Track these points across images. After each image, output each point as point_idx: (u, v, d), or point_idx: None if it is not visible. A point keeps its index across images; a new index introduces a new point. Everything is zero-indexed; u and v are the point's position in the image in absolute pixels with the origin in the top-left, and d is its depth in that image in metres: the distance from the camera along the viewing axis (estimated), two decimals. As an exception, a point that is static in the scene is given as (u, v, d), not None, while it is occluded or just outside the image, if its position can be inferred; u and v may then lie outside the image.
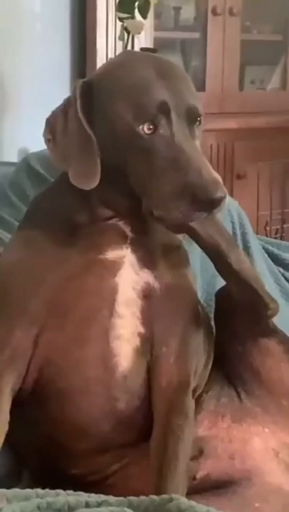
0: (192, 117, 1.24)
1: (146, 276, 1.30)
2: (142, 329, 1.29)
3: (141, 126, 1.20)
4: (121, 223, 1.30)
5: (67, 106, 1.27)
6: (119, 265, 1.28)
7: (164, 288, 1.30)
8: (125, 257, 1.29)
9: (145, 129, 1.21)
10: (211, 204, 1.17)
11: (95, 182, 1.23)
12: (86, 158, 1.24)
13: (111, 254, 1.28)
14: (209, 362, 1.39)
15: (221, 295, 1.43)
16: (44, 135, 1.30)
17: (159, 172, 1.20)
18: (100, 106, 1.24)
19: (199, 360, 1.35)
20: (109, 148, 1.23)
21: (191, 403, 1.30)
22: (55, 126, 1.28)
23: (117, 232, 1.30)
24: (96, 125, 1.24)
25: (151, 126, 1.21)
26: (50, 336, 1.26)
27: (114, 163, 1.23)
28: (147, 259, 1.31)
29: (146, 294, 1.29)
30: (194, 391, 1.33)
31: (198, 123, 1.25)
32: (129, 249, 1.30)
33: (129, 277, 1.29)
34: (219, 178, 1.19)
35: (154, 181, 1.21)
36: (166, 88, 1.22)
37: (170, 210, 1.19)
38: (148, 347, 1.30)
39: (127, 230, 1.30)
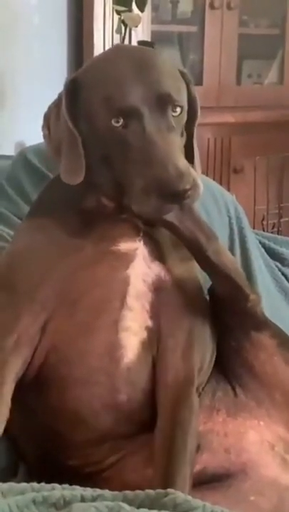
0: (165, 105, 1.23)
1: (158, 269, 1.31)
2: (149, 323, 1.30)
3: (113, 120, 1.22)
4: (133, 217, 1.30)
5: (59, 101, 1.29)
6: (132, 257, 1.29)
7: (175, 281, 1.31)
8: (138, 249, 1.30)
9: (116, 124, 1.22)
10: (176, 196, 1.18)
11: (79, 178, 1.26)
12: (72, 154, 1.26)
13: (124, 246, 1.29)
14: (213, 357, 1.39)
15: (212, 290, 1.43)
16: (42, 129, 1.32)
17: (131, 166, 1.21)
18: (82, 102, 1.26)
19: (205, 354, 1.36)
20: (93, 142, 1.25)
21: (196, 397, 1.31)
22: (50, 121, 1.31)
23: (129, 225, 1.30)
24: (81, 121, 1.26)
25: (122, 121, 1.22)
26: (58, 323, 1.26)
27: (102, 156, 1.25)
28: (159, 252, 1.32)
29: (157, 287, 1.30)
30: (198, 386, 1.33)
31: (175, 112, 1.25)
32: (141, 242, 1.31)
33: (141, 270, 1.30)
34: (186, 169, 1.19)
35: (128, 176, 1.22)
36: (139, 82, 1.22)
37: (142, 204, 1.21)
38: (155, 341, 1.30)
39: (140, 222, 1.31)
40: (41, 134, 1.33)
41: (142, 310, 1.29)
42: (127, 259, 1.29)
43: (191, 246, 1.31)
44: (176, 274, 1.31)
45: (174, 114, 1.25)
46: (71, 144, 1.26)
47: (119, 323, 1.28)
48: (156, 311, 1.30)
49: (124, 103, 1.21)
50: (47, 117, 1.32)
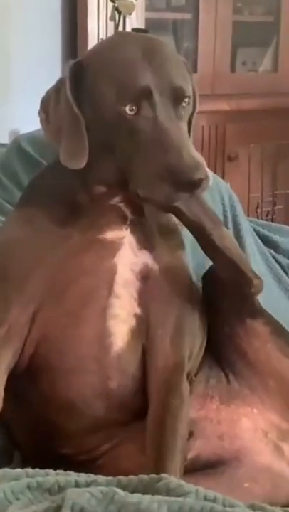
0: (177, 98, 1.24)
1: (145, 258, 1.31)
2: (138, 310, 1.30)
3: (123, 108, 1.21)
4: (121, 205, 1.31)
5: (59, 86, 1.28)
6: (119, 246, 1.30)
7: (162, 269, 1.32)
8: (124, 237, 1.30)
9: (128, 110, 1.21)
10: (191, 185, 1.19)
11: (82, 162, 1.25)
12: (75, 138, 1.25)
13: (110, 235, 1.29)
14: (203, 344, 1.40)
15: (207, 276, 1.44)
16: (39, 114, 1.31)
17: (142, 153, 1.21)
18: (88, 86, 1.25)
19: (195, 341, 1.36)
20: (97, 128, 1.25)
21: (186, 384, 1.31)
22: (48, 105, 1.29)
23: (117, 213, 1.31)
24: (84, 105, 1.25)
25: (133, 108, 1.21)
26: (47, 313, 1.27)
27: (104, 142, 1.25)
28: (146, 241, 1.32)
29: (144, 275, 1.31)
30: (188, 374, 1.34)
31: (184, 103, 1.26)
32: (128, 230, 1.31)
33: (128, 258, 1.30)
34: (201, 159, 1.20)
35: (138, 162, 1.22)
36: (151, 69, 1.23)
37: (153, 191, 1.21)
38: (144, 328, 1.31)
39: (127, 211, 1.31)
40: (36, 121, 1.32)
41: (129, 298, 1.29)
42: (113, 247, 1.29)
43: (197, 230, 1.32)
44: (163, 263, 1.32)
45: (183, 104, 1.25)
46: (74, 128, 1.25)
47: (107, 311, 1.28)
48: (144, 299, 1.30)
49: (138, 90, 1.21)
50: (45, 102, 1.30)
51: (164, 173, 1.18)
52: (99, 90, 1.24)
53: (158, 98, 1.22)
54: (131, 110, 1.21)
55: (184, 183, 1.18)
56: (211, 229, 1.31)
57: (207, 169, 1.20)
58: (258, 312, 1.42)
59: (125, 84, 1.22)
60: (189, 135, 1.31)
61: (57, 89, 1.28)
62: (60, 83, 1.28)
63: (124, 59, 1.24)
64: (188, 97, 1.27)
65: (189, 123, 1.31)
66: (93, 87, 1.25)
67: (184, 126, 1.25)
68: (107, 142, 1.25)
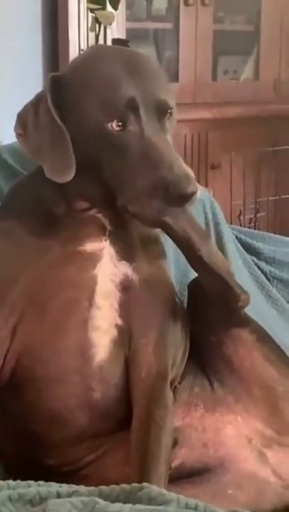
0: (162, 111, 1.24)
1: (125, 269, 1.31)
2: (119, 321, 1.30)
3: (110, 124, 1.21)
4: (100, 215, 1.31)
5: (38, 100, 1.27)
6: (99, 257, 1.30)
7: (142, 280, 1.32)
8: (104, 249, 1.30)
9: (114, 126, 1.21)
10: (183, 199, 1.18)
11: (70, 175, 1.24)
12: (60, 151, 1.24)
13: (90, 246, 1.29)
14: (186, 353, 1.40)
15: (193, 286, 1.44)
16: (15, 130, 1.30)
17: (131, 168, 1.21)
18: (71, 101, 1.24)
19: (177, 351, 1.36)
20: (81, 142, 1.24)
21: (170, 393, 1.32)
22: (26, 120, 1.28)
23: (96, 225, 1.31)
24: (67, 119, 1.24)
25: (120, 123, 1.21)
26: (28, 325, 1.27)
27: (88, 157, 1.24)
28: (126, 252, 1.32)
29: (125, 286, 1.31)
30: (172, 382, 1.34)
31: (168, 116, 1.26)
32: (108, 242, 1.31)
33: (108, 269, 1.30)
34: (191, 172, 1.19)
35: (126, 177, 1.21)
36: (134, 84, 1.22)
37: (143, 206, 1.20)
38: (126, 338, 1.31)
39: (106, 222, 1.31)
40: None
41: (110, 309, 1.30)
42: (93, 259, 1.29)
43: (184, 245, 1.32)
44: (143, 274, 1.32)
45: (168, 117, 1.26)
46: (58, 141, 1.24)
47: (88, 322, 1.28)
48: (125, 310, 1.30)
49: (124, 106, 1.21)
50: (22, 117, 1.29)
51: (156, 188, 1.18)
52: (83, 106, 1.23)
53: (144, 112, 1.22)
54: (117, 126, 1.21)
55: (176, 196, 1.17)
56: (199, 244, 1.32)
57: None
58: (244, 321, 1.43)
59: (111, 100, 1.21)
60: None
61: (35, 104, 1.27)
62: (38, 98, 1.27)
63: (108, 74, 1.24)
64: (172, 108, 1.26)
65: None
66: (77, 104, 1.24)
67: (170, 138, 1.25)
68: (92, 158, 1.24)
